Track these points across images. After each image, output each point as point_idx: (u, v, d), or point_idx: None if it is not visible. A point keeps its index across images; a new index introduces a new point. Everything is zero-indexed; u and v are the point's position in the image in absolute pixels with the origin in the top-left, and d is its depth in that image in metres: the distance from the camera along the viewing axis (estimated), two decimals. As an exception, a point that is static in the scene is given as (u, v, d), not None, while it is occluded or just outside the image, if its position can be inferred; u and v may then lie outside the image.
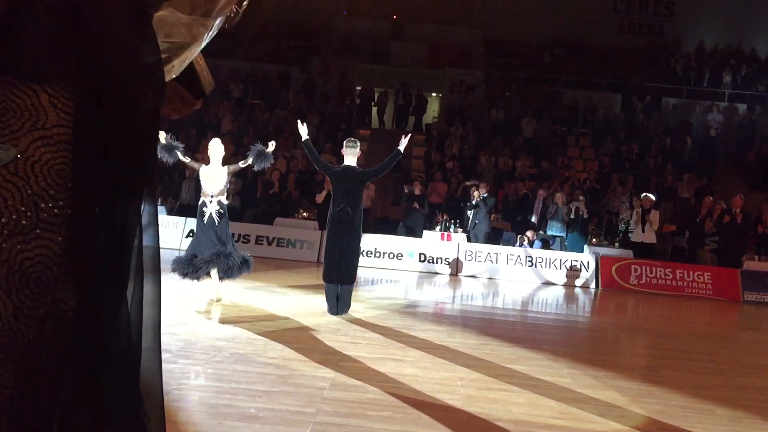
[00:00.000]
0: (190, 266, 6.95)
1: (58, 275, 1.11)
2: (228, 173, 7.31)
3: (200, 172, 7.31)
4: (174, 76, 1.38)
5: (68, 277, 1.13)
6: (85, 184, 1.13)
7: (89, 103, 1.14)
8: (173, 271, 7.02)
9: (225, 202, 7.26)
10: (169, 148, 7.26)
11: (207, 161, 7.42)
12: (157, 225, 1.30)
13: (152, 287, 1.28)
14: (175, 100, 1.51)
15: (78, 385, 1.15)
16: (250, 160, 7.40)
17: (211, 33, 1.34)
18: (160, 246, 1.34)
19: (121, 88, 1.17)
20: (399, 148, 7.35)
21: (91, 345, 1.16)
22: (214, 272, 7.02)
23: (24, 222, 1.08)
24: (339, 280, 7.01)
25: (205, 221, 7.14)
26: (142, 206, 1.25)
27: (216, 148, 7.34)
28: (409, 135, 7.74)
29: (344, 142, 7.48)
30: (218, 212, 7.12)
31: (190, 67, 1.49)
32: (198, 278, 7.01)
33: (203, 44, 1.36)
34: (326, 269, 7.10)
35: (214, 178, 7.23)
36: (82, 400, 1.15)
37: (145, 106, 1.20)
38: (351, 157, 7.26)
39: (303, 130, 7.47)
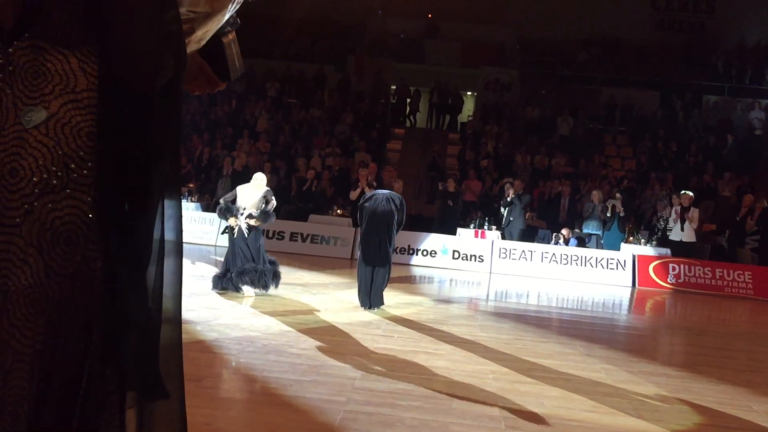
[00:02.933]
0: (226, 281, 7.28)
1: (87, 235, 1.14)
2: (263, 195, 7.55)
3: (238, 190, 7.62)
4: (197, 48, 1.40)
5: (97, 237, 1.15)
6: (112, 148, 1.16)
7: (112, 69, 1.17)
8: (213, 288, 7.27)
9: (255, 214, 7.41)
10: (228, 211, 7.51)
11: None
12: (180, 201, 1.32)
13: (174, 260, 1.30)
14: (199, 77, 1.53)
15: (104, 345, 1.17)
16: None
17: (234, 5, 1.36)
18: (183, 230, 1.36)
19: (141, 56, 1.19)
20: None
21: (115, 306, 1.18)
22: (246, 286, 7.27)
23: (55, 182, 1.11)
24: (374, 262, 7.09)
25: (235, 234, 7.41)
26: (167, 177, 1.28)
27: (259, 179, 7.68)
28: None
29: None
30: (248, 225, 7.30)
31: (220, 47, 1.50)
32: (236, 290, 7.22)
33: (227, 16, 1.38)
34: (363, 253, 7.24)
35: (249, 194, 7.54)
36: (107, 360, 1.17)
37: (165, 75, 1.22)
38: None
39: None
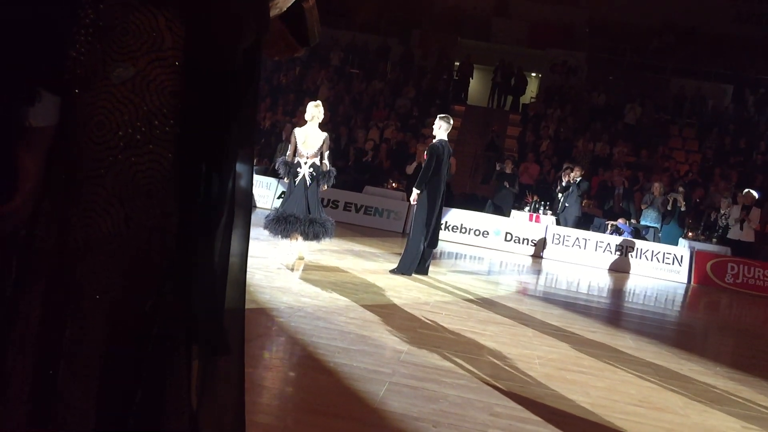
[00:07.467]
0: (280, 225, 7.14)
1: (166, 190, 1.18)
2: (323, 141, 7.39)
3: (296, 134, 7.42)
4: (278, 12, 1.41)
5: (175, 193, 1.19)
6: (194, 107, 1.19)
7: (198, 30, 1.19)
8: (265, 228, 7.27)
9: (318, 164, 7.36)
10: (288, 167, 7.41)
11: (303, 123, 7.54)
12: (252, 164, 1.35)
13: (243, 223, 1.33)
14: (279, 42, 1.54)
15: (174, 298, 1.21)
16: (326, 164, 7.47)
17: None
18: (252, 193, 1.38)
19: (225, 18, 1.21)
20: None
21: (186, 262, 1.22)
22: (299, 235, 7.21)
23: (138, 137, 1.15)
24: (431, 244, 7.53)
25: (297, 182, 7.29)
26: (242, 140, 1.30)
27: (313, 110, 7.39)
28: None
29: (441, 118, 7.55)
30: (311, 174, 7.25)
31: (300, 13, 1.51)
32: (287, 236, 7.22)
33: None
34: (425, 236, 7.48)
35: (310, 140, 7.34)
36: (176, 313, 1.21)
37: (247, 37, 1.24)
38: (445, 132, 7.48)
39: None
